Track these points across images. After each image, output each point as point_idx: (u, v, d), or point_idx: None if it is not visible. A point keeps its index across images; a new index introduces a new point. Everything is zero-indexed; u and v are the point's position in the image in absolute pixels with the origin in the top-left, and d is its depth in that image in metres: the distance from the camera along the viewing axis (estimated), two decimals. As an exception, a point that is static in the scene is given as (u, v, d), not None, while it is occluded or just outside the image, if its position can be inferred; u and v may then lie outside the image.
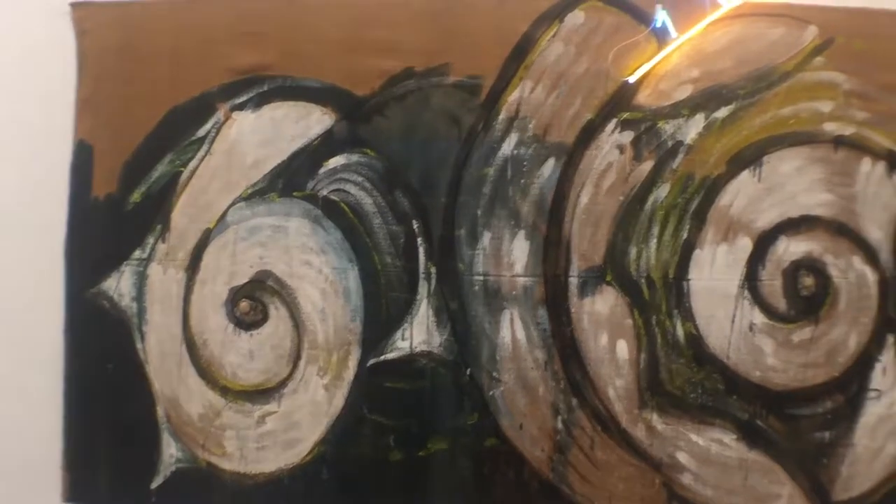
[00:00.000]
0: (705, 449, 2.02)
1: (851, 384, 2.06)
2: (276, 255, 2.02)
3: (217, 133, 1.94)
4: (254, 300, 2.00)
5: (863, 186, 2.03)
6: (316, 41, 1.98)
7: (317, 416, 2.02)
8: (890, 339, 2.03)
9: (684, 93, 1.99)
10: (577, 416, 2.00)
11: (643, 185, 1.98)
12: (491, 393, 1.97)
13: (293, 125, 2.02)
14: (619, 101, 1.97)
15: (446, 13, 1.98)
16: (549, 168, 1.98)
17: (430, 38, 1.99)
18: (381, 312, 1.99)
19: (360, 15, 2.00)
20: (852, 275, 2.02)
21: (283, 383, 2.01)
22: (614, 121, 1.97)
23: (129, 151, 2.04)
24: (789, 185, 1.99)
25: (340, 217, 2.00)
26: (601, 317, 1.97)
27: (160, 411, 1.91)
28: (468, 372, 1.96)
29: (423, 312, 1.97)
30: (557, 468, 2.00)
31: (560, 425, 2.00)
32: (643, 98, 1.99)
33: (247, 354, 1.96)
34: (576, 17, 2.01)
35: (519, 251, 1.92)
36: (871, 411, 2.06)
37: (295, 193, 2.02)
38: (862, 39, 2.01)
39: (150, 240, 1.98)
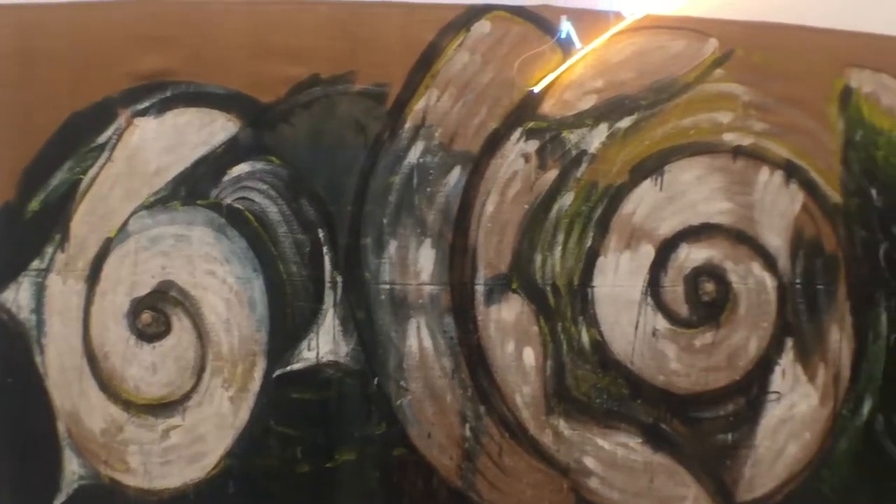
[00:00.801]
0: (611, 453, 2.09)
1: (752, 387, 2.16)
2: (179, 265, 2.01)
3: (118, 140, 1.97)
4: (156, 311, 1.99)
5: (761, 195, 2.12)
6: (221, 46, 1.97)
7: (222, 428, 2.01)
8: (788, 342, 2.13)
9: (588, 103, 2.06)
10: (484, 423, 2.04)
11: (548, 193, 2.05)
12: (399, 402, 2.00)
13: (197, 132, 2.01)
14: (525, 111, 2.04)
15: (353, 21, 2.01)
16: (455, 176, 2.02)
17: (336, 45, 2.01)
18: (287, 322, 1.99)
19: (266, 21, 2.01)
20: (752, 281, 2.11)
21: (187, 396, 1.99)
22: (519, 130, 2.03)
23: (28, 158, 2.01)
24: (690, 193, 2.07)
25: (245, 226, 1.98)
26: (507, 324, 2.02)
27: (61, 427, 1.76)
28: (375, 381, 1.98)
29: (330, 322, 1.98)
30: (466, 476, 2.04)
31: (468, 433, 2.04)
32: (548, 108, 2.05)
33: (150, 367, 1.90)
34: (482, 27, 2.06)
35: (425, 259, 1.92)
36: (772, 413, 2.17)
37: (198, 202, 2.01)
38: (761, 52, 2.10)
39: (49, 249, 1.89)
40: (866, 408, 2.24)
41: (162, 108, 2.01)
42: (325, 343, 1.96)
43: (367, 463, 1.96)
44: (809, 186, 2.15)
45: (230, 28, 1.94)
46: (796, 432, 2.19)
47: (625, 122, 1.97)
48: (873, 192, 2.18)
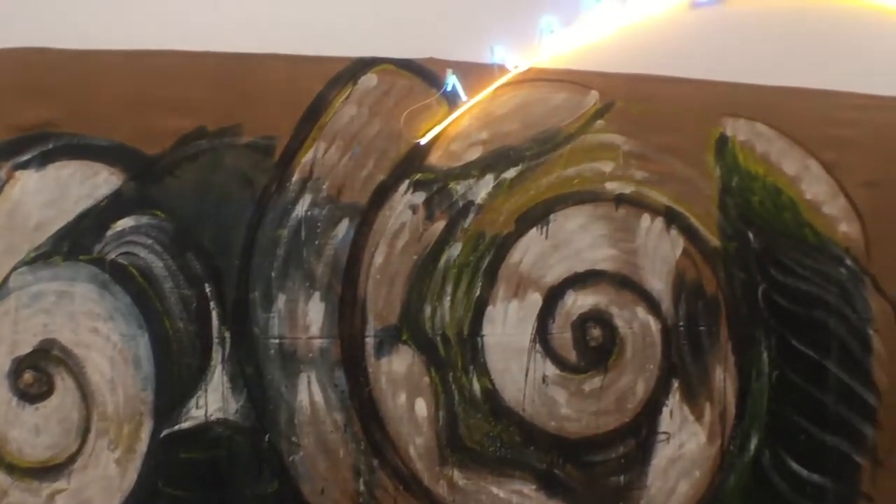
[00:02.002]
0: (506, 501, 2.28)
1: (642, 429, 2.40)
2: (62, 323, 1.95)
3: (-2, 193, 1.95)
4: (38, 371, 1.91)
5: (643, 241, 2.39)
6: (105, 98, 2.12)
7: (109, 491, 2.11)
8: (675, 383, 2.40)
9: (474, 154, 2.28)
10: (378, 476, 2.18)
11: (436, 244, 2.24)
12: (291, 458, 2.00)
13: (80, 185, 2.13)
14: (412, 163, 2.24)
15: (240, 72, 2.17)
16: (344, 229, 2.07)
17: (223, 97, 2.16)
18: (174, 380, 1.96)
19: (152, 72, 2.15)
20: (637, 325, 2.36)
21: (72, 458, 1.90)
22: (407, 181, 2.23)
23: None
24: (575, 241, 2.33)
25: (129, 281, 1.96)
26: (399, 376, 2.17)
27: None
28: (267, 438, 1.96)
29: (218, 379, 2.09)
30: (363, 530, 2.04)
31: (362, 487, 2.18)
32: (435, 159, 2.25)
33: (33, 429, 1.86)
34: (369, 80, 2.25)
35: (314, 313, 2.02)
36: (662, 454, 2.41)
37: (81, 257, 1.95)
38: (639, 103, 2.39)
39: (-74, 308, 1.86)
40: (753, 444, 2.52)
41: (43, 160, 2.12)
42: (214, 400, 2.00)
43: (261, 522, 1.94)
44: (689, 232, 2.43)
45: (114, 79, 2.07)
46: (686, 471, 2.43)
47: (510, 173, 2.14)
48: (750, 235, 2.49)
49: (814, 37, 2.57)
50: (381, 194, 2.06)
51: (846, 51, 2.60)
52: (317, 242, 2.00)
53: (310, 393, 2.01)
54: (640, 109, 2.38)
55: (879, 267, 2.55)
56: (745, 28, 2.53)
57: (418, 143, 2.05)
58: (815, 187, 2.54)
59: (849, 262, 2.52)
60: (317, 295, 2.01)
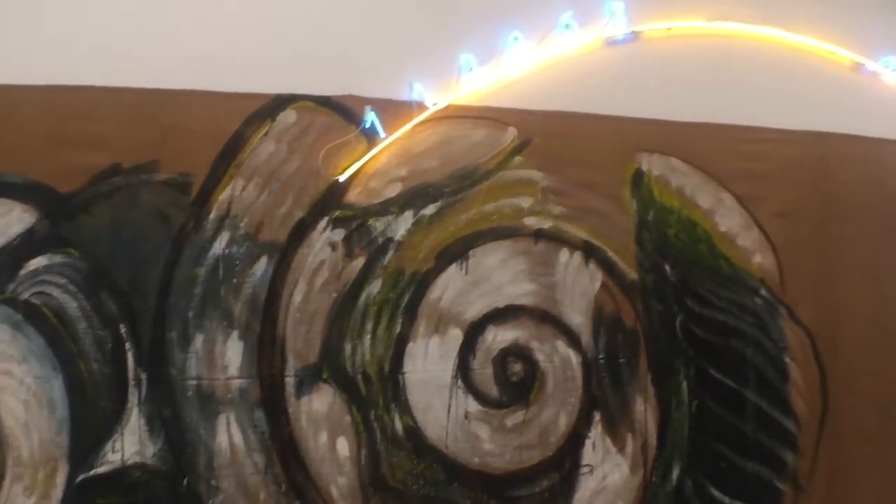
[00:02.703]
0: None
1: (565, 462, 2.55)
2: None
3: None
4: None
5: (562, 275, 2.56)
6: (18, 133, 1.91)
7: None
8: (596, 415, 2.57)
9: (393, 191, 2.41)
10: None
11: (356, 281, 2.35)
12: (210, 502, 2.01)
13: None
14: (331, 200, 2.34)
15: (157, 108, 2.21)
16: (262, 266, 2.11)
17: (139, 133, 2.20)
18: (90, 423, 1.93)
19: (67, 107, 2.13)
20: (557, 358, 2.53)
21: None
22: (326, 219, 2.33)
23: None
24: (495, 276, 2.48)
25: (43, 322, 1.93)
26: (319, 415, 2.13)
27: None
28: (185, 482, 1.97)
29: (135, 422, 1.96)
30: (285, 573, 2.15)
31: None
32: (354, 196, 2.37)
33: None
34: (288, 117, 2.34)
35: (233, 352, 2.05)
36: (586, 486, 2.57)
37: None
38: (557, 140, 2.57)
39: None
40: (675, 473, 2.68)
41: (-46, 198, 1.81)
42: (131, 444, 1.95)
43: (181, 567, 1.81)
44: (607, 265, 2.59)
45: (28, 114, 1.92)
46: (610, 502, 2.59)
47: (429, 209, 2.24)
48: (667, 267, 2.67)
49: (725, 73, 2.77)
50: (300, 232, 2.11)
51: (756, 86, 2.81)
52: (235, 281, 2.04)
53: (229, 435, 2.02)
54: (558, 145, 2.54)
55: (794, 296, 2.72)
56: (659, 65, 2.74)
57: (337, 180, 2.13)
58: (729, 219, 2.71)
59: (764, 292, 2.67)
60: (235, 334, 2.03)
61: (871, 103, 3.05)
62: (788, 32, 2.92)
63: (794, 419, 2.78)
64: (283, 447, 2.05)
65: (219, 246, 2.07)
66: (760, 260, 2.75)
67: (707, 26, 2.80)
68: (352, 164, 2.17)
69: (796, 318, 2.79)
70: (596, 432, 2.53)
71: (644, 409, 2.58)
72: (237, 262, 2.06)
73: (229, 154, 2.08)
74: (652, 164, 2.68)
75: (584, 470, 2.51)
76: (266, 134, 2.12)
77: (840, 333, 2.93)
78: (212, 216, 2.06)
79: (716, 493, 2.64)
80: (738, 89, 2.84)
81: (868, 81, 3.03)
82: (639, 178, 2.66)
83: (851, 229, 2.93)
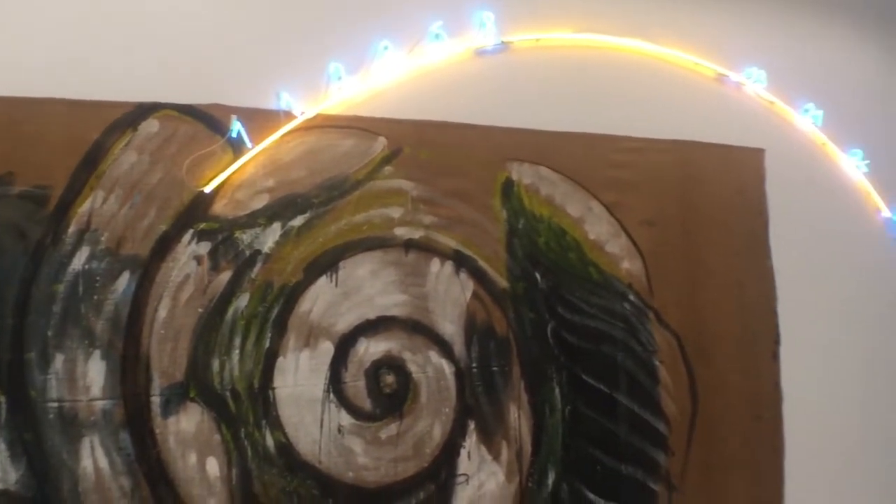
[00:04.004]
0: None
1: (441, 472, 2.66)
2: None
3: None
4: None
5: (433, 285, 2.67)
6: None
7: None
8: (471, 424, 2.70)
9: (260, 202, 2.46)
10: None
11: (222, 295, 2.39)
12: None
13: None
14: (195, 212, 2.37)
15: (12, 117, 2.16)
16: (124, 282, 2.10)
17: None
18: None
19: None
20: (430, 369, 2.63)
21: None
22: (190, 231, 2.34)
23: None
24: (365, 288, 2.57)
25: None
26: (188, 435, 2.10)
27: None
28: None
29: None
30: None
31: None
32: (219, 208, 2.40)
33: None
34: (150, 126, 2.36)
35: (95, 372, 2.02)
36: (462, 495, 2.69)
37: None
38: (427, 149, 2.68)
39: None
40: (551, 478, 2.83)
41: None
42: None
43: None
44: (478, 274, 2.72)
45: None
46: None
47: (298, 221, 2.28)
48: (538, 275, 2.83)
49: (593, 83, 2.94)
50: (164, 245, 2.11)
51: (623, 96, 3.00)
52: (96, 297, 2.02)
53: (94, 458, 2.00)
54: (428, 155, 2.65)
55: (661, 301, 2.92)
56: (528, 75, 2.89)
57: (202, 191, 2.13)
58: (598, 227, 2.88)
59: (632, 297, 2.86)
60: (97, 353, 2.01)
61: (734, 113, 3.31)
62: (654, 44, 3.16)
63: (664, 421, 2.98)
64: (151, 469, 2.04)
65: (78, 261, 2.05)
66: (628, 266, 2.94)
67: (575, 37, 2.98)
68: (217, 174, 2.17)
69: (664, 322, 2.99)
70: (471, 441, 2.64)
71: (518, 417, 2.69)
72: (98, 278, 2.04)
73: (89, 165, 2.06)
74: (522, 173, 2.83)
75: (461, 479, 2.62)
76: (128, 144, 2.12)
77: (707, 336, 3.14)
78: (71, 230, 2.03)
79: (591, 496, 2.80)
80: (606, 99, 3.02)
81: (731, 92, 3.30)
82: (509, 187, 2.79)
83: (715, 235, 3.16)
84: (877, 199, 3.68)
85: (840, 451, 3.49)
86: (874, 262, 3.69)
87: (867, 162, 3.62)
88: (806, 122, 3.48)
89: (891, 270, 3.73)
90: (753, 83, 3.34)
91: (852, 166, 3.61)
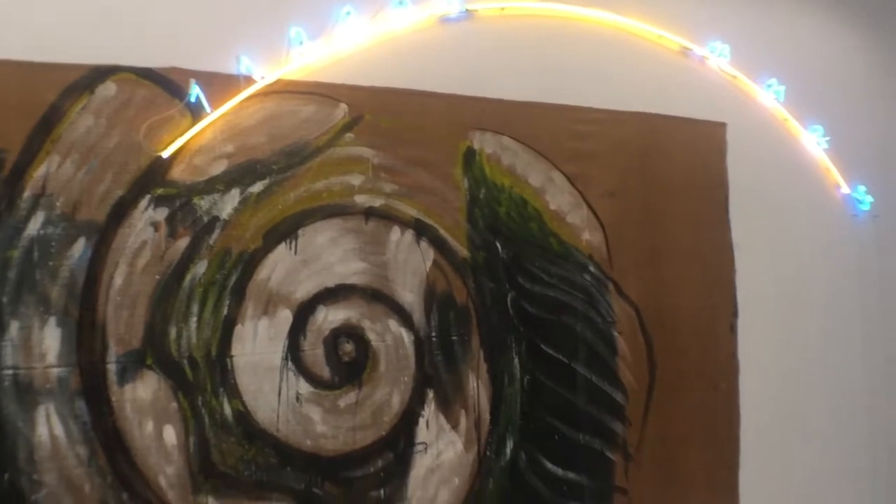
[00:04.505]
0: None
1: (399, 441, 2.69)
2: None
3: None
4: None
5: (393, 254, 2.68)
6: None
7: None
8: (429, 393, 2.72)
9: (219, 168, 2.44)
10: None
11: (180, 262, 2.37)
12: (33, 498, 1.95)
13: None
14: (153, 177, 2.35)
15: None
16: (80, 248, 2.07)
17: None
18: None
19: None
20: (390, 337, 2.65)
21: None
22: (147, 197, 2.32)
23: None
24: (325, 256, 2.57)
25: None
26: (144, 403, 2.10)
27: None
28: (5, 478, 1.92)
29: None
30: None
31: None
32: (177, 173, 2.38)
33: None
34: (107, 89, 2.32)
35: (51, 339, 2.00)
36: (421, 463, 2.72)
37: None
38: (388, 116, 2.68)
39: None
40: (509, 448, 2.87)
41: None
42: None
43: (-4, 570, 1.75)
44: (439, 243, 2.72)
45: None
46: (446, 479, 2.73)
47: (257, 187, 2.26)
48: (498, 245, 2.85)
49: (557, 54, 2.96)
50: (120, 211, 2.09)
51: (588, 67, 3.04)
52: (51, 264, 1.99)
53: (49, 426, 1.99)
54: (389, 123, 2.65)
55: (620, 273, 2.97)
56: (492, 44, 2.90)
57: (160, 156, 2.11)
58: (560, 198, 2.90)
59: (592, 268, 2.90)
60: (52, 320, 1.99)
61: (697, 87, 3.35)
62: (619, 16, 3.18)
63: (622, 391, 3.04)
64: (107, 437, 2.02)
65: (34, 226, 2.00)
66: (589, 237, 2.98)
67: (539, 7, 3.00)
68: (175, 139, 2.14)
69: (623, 294, 3.05)
70: (430, 410, 2.67)
71: (477, 386, 2.72)
72: (53, 244, 2.00)
73: (44, 128, 2.01)
74: (484, 143, 2.84)
75: (419, 448, 2.65)
76: (84, 107, 2.07)
77: (666, 308, 3.19)
78: (26, 195, 1.99)
79: (549, 465, 2.85)
80: (570, 70, 3.04)
81: (695, 65, 3.33)
82: (470, 156, 2.80)
83: (676, 207, 3.20)
84: (836, 175, 3.74)
85: (795, 423, 3.58)
86: (832, 238, 3.76)
87: (828, 138, 3.66)
88: (768, 97, 3.52)
89: (848, 247, 3.80)
90: (717, 57, 3.37)
91: (813, 142, 3.66)
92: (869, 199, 3.81)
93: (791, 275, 3.59)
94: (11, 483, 1.93)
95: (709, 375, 3.36)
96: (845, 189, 3.76)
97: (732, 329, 3.38)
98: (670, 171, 3.26)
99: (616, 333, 3.07)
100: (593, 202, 3.05)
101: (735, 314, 3.38)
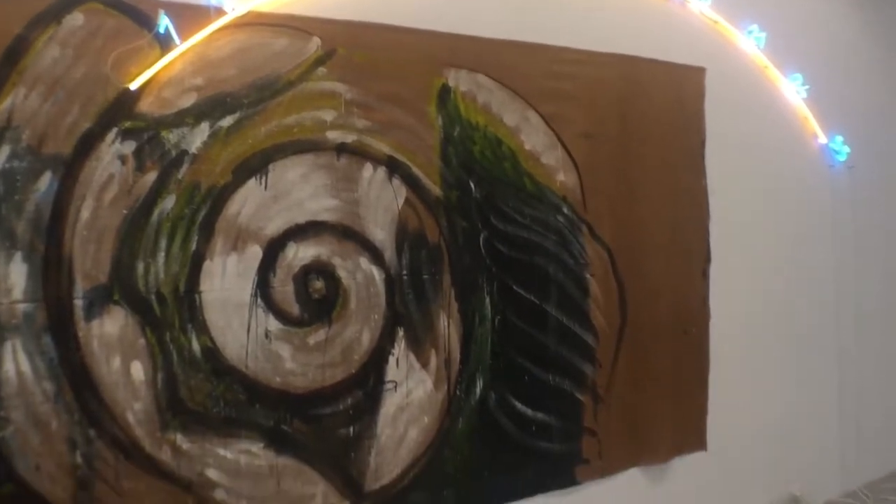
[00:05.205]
0: (234, 461, 2.47)
1: (369, 379, 2.70)
2: None
3: None
4: None
5: (365, 191, 2.68)
6: None
7: None
8: (400, 332, 2.74)
9: (188, 101, 2.40)
10: (96, 447, 2.13)
11: (148, 196, 2.34)
12: (0, 435, 1.94)
13: None
14: (120, 110, 2.29)
15: None
16: (46, 182, 2.04)
17: None
18: None
19: None
20: (360, 275, 2.65)
21: None
22: (115, 130, 2.20)
23: None
24: (295, 192, 2.55)
25: None
26: (112, 338, 2.10)
27: None
28: None
29: None
30: (83, 505, 2.18)
31: (79, 459, 2.07)
32: (146, 106, 2.34)
33: None
34: (74, 20, 2.25)
35: (17, 275, 1.97)
36: (390, 402, 2.74)
37: None
38: (362, 51, 2.65)
39: None
40: (479, 387, 2.91)
41: None
42: None
43: (-27, 506, 1.74)
44: (411, 181, 2.73)
45: None
46: (415, 417, 2.76)
47: (227, 121, 2.24)
48: (472, 184, 2.86)
49: (534, -9, 2.84)
50: (87, 144, 2.05)
51: (567, 8, 3.00)
52: (17, 197, 1.96)
53: (16, 362, 1.97)
54: (363, 58, 2.63)
55: (594, 215, 2.97)
56: (469, -21, 2.72)
57: (128, 88, 2.09)
58: (535, 138, 2.89)
59: (566, 210, 2.89)
60: (18, 255, 1.96)
61: (677, 30, 3.33)
62: (600, -45, 3.02)
63: (593, 333, 3.06)
64: (74, 373, 2.02)
65: None
66: (563, 179, 2.97)
67: (518, -57, 2.84)
68: (143, 71, 2.12)
69: (597, 236, 3.06)
70: (400, 349, 2.68)
71: (447, 325, 2.74)
72: (19, 178, 1.98)
73: (10, 60, 1.96)
74: (459, 80, 2.82)
75: (389, 386, 2.66)
76: (51, 38, 2.01)
77: (639, 250, 3.19)
78: None
79: (518, 405, 2.87)
80: (549, 8, 3.01)
81: (675, 9, 3.31)
82: (445, 93, 2.79)
83: (652, 151, 3.20)
84: (814, 124, 3.73)
85: (765, 368, 3.62)
86: (808, 187, 3.78)
87: (807, 87, 3.64)
88: (749, 43, 3.50)
89: (823, 196, 3.82)
90: (698, 1, 3.30)
91: (792, 91, 3.66)
92: (846, 149, 3.81)
93: (765, 222, 3.61)
94: (-23, 421, 1.75)
95: (680, 319, 3.40)
96: (822, 139, 3.76)
97: (705, 274, 3.40)
98: (648, 115, 3.25)
99: (588, 276, 3.07)
100: (569, 143, 3.04)
101: (708, 259, 3.40)
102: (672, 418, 3.26)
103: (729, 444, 3.42)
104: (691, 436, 3.33)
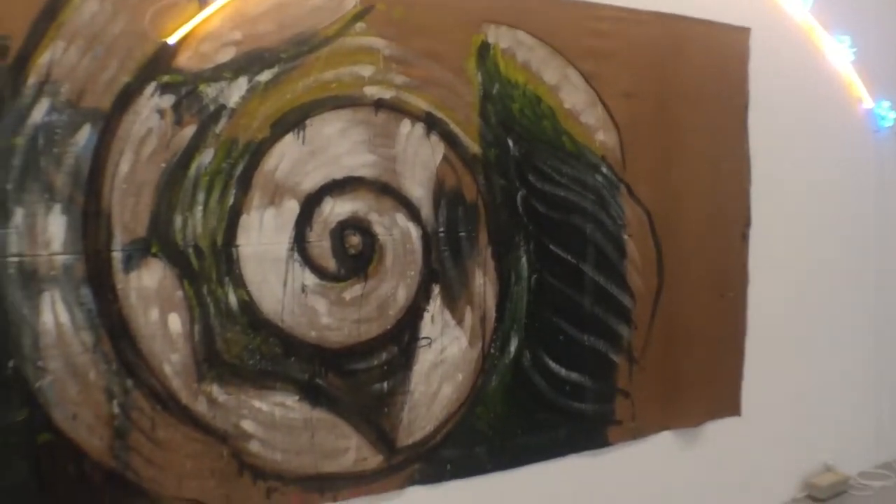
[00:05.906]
0: (269, 414, 2.49)
1: (404, 335, 2.69)
2: None
3: None
4: None
5: (403, 147, 2.65)
6: None
7: None
8: (435, 289, 2.72)
9: (227, 55, 2.38)
10: (133, 397, 2.14)
11: (186, 150, 2.33)
12: (38, 384, 1.98)
13: None
14: (159, 64, 2.17)
15: None
16: (85, 135, 2.04)
17: None
18: None
19: None
20: (397, 231, 2.64)
21: None
22: (154, 84, 2.13)
23: None
24: (333, 147, 2.53)
25: None
26: (150, 291, 2.12)
27: None
28: (11, 364, 1.93)
29: None
30: (119, 455, 2.23)
31: (117, 409, 2.11)
32: (184, 60, 2.33)
33: None
34: None
35: (56, 227, 1.98)
36: (424, 358, 2.73)
37: None
38: (401, 7, 2.62)
39: None
40: (513, 346, 2.89)
41: None
42: None
43: (11, 453, 1.94)
44: (449, 138, 2.71)
45: None
46: (449, 374, 2.74)
47: (265, 76, 2.23)
48: (510, 142, 2.82)
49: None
50: (126, 98, 2.05)
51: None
52: (56, 151, 1.95)
53: (54, 313, 1.98)
54: (402, 13, 2.59)
55: (633, 175, 2.91)
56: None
57: (166, 42, 2.07)
58: (574, 96, 2.85)
59: (605, 170, 2.85)
60: (57, 208, 1.97)
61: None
62: None
63: (630, 294, 3.02)
64: (113, 325, 2.04)
65: (38, 114, 1.97)
66: (603, 138, 2.91)
67: None
68: (182, 25, 2.09)
69: (635, 197, 3.01)
70: (435, 305, 2.67)
71: (483, 283, 2.73)
72: (58, 131, 1.97)
73: (49, 14, 1.94)
74: (499, 37, 2.77)
75: (423, 343, 2.66)
76: None
77: (677, 212, 3.13)
78: (30, 81, 1.95)
79: (553, 364, 2.84)
80: (589, -36, 2.87)
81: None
82: (485, 50, 2.74)
83: (693, 112, 3.13)
84: (860, 89, 3.62)
85: (802, 334, 3.55)
86: (851, 153, 3.68)
87: (854, 50, 3.52)
88: (795, 3, 3.38)
89: (866, 162, 3.72)
90: (743, -40, 3.20)
91: (839, 54, 3.54)
92: (892, 115, 3.69)
93: (808, 188, 3.53)
94: (16, 370, 1.93)
95: (718, 283, 3.35)
96: (868, 103, 3.65)
97: (744, 238, 3.34)
98: (690, 75, 3.17)
99: (626, 236, 3.04)
100: (609, 102, 2.99)
101: (748, 224, 3.34)
102: (707, 382, 3.22)
103: (763, 411, 3.37)
104: (725, 401, 3.29)
